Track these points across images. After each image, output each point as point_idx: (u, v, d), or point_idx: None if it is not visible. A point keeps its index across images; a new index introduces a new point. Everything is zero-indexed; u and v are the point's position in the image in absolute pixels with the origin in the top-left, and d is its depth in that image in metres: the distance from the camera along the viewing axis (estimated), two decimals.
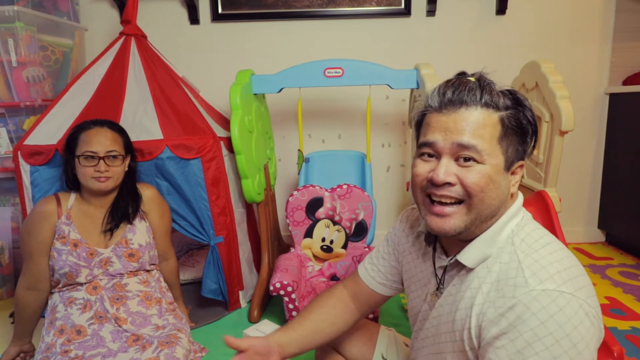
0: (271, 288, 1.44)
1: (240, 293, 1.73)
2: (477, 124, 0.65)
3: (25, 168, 1.48)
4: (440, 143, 0.66)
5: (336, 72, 1.76)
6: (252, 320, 1.62)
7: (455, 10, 2.26)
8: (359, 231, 1.76)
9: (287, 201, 1.76)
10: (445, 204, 0.66)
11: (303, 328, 0.87)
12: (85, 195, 1.31)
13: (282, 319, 1.55)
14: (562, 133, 1.55)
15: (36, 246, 1.25)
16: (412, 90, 1.99)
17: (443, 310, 0.73)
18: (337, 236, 1.76)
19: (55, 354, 1.15)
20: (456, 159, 0.66)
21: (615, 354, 1.17)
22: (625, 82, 2.28)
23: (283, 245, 2.13)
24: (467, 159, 0.65)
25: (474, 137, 0.64)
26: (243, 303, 1.75)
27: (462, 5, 2.26)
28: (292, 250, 1.77)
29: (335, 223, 1.76)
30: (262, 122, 1.88)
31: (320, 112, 2.35)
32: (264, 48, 2.32)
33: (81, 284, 1.26)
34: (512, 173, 0.69)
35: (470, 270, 0.69)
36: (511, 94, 0.68)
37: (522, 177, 0.74)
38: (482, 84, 0.67)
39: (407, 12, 2.25)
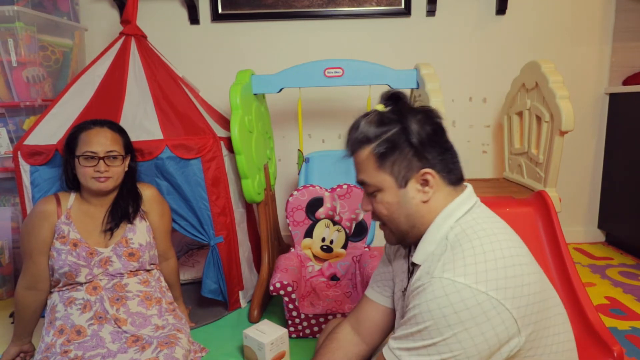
0: (271, 288, 1.44)
1: (240, 293, 1.73)
2: (360, 163, 0.78)
3: (25, 168, 1.48)
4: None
5: (336, 72, 1.76)
6: (252, 320, 1.62)
7: (455, 10, 2.26)
8: (359, 231, 1.76)
9: (287, 201, 1.76)
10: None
11: None
12: (85, 195, 1.31)
13: (282, 319, 1.55)
14: (562, 133, 1.55)
15: (36, 246, 1.25)
16: (412, 90, 1.98)
17: (406, 302, 0.80)
18: (337, 236, 1.76)
19: (55, 354, 1.15)
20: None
21: (615, 354, 1.18)
22: (625, 82, 2.28)
23: (283, 245, 2.13)
24: (370, 192, 0.78)
25: (361, 173, 0.78)
26: (243, 303, 1.75)
27: (462, 5, 2.26)
28: (292, 250, 1.77)
29: (335, 223, 1.76)
30: (262, 122, 1.88)
31: (320, 112, 2.35)
32: (264, 48, 2.32)
33: (81, 284, 1.26)
34: (423, 182, 0.74)
35: (418, 265, 0.76)
36: (385, 116, 0.75)
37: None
38: (354, 126, 0.78)
39: (407, 12, 2.25)
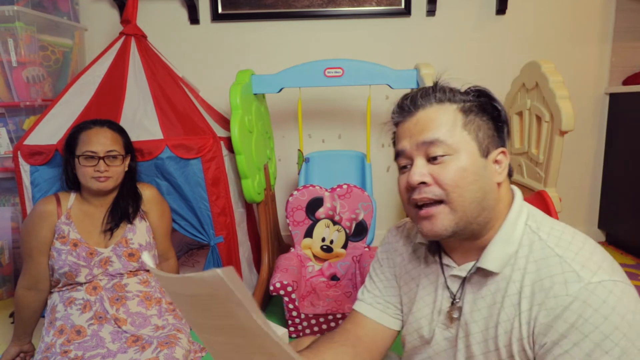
0: (271, 288, 1.44)
1: None
2: (435, 119, 0.66)
3: (25, 168, 1.48)
4: (407, 148, 0.68)
5: (336, 72, 1.76)
6: None
7: (455, 10, 2.26)
8: (359, 231, 1.76)
9: (287, 201, 1.76)
10: (429, 205, 0.65)
11: None
12: (85, 195, 1.31)
13: (282, 319, 1.55)
14: (562, 133, 1.55)
15: (36, 246, 1.25)
16: (412, 90, 1.98)
17: (474, 326, 0.67)
18: (337, 236, 1.76)
19: (55, 354, 1.15)
20: (428, 160, 0.66)
21: None
22: (625, 82, 2.28)
23: (283, 245, 2.12)
24: (436, 156, 0.64)
25: (436, 130, 0.65)
26: None
27: (462, 5, 2.26)
28: (292, 250, 1.77)
29: (335, 223, 1.76)
30: (262, 122, 1.88)
31: (320, 112, 2.35)
32: (264, 48, 2.31)
33: (81, 284, 1.26)
34: (496, 162, 0.67)
35: (494, 275, 0.65)
36: (472, 89, 0.70)
37: (513, 169, 0.72)
38: (436, 85, 0.71)
39: (407, 12, 2.25)
